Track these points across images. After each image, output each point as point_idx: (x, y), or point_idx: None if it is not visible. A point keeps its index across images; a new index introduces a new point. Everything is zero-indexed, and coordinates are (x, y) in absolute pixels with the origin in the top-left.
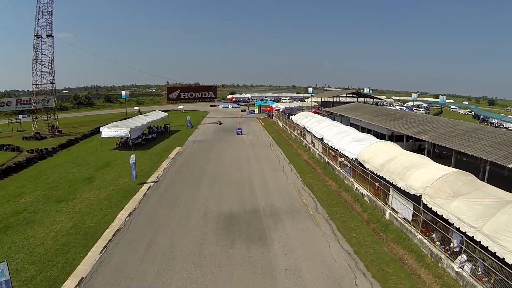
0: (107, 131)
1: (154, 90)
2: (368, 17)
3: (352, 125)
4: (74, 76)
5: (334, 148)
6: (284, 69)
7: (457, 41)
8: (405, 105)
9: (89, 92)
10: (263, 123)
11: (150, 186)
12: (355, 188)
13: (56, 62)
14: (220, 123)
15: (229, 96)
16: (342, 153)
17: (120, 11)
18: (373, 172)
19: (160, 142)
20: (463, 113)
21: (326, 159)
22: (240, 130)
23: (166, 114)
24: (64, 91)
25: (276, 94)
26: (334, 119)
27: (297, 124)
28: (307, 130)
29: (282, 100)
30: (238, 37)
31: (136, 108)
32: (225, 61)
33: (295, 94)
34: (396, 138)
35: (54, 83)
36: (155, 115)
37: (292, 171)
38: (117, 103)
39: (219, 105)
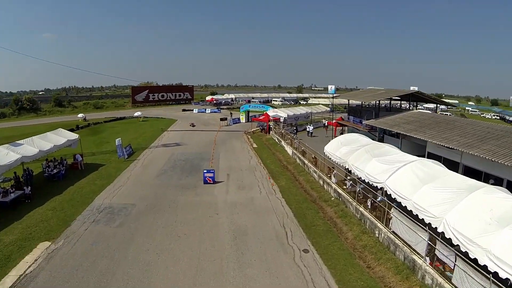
0: None
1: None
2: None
3: (430, 155)
4: (57, 77)
5: None
6: (269, 68)
7: (453, 40)
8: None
9: (66, 94)
10: (255, 144)
11: None
12: None
13: (39, 62)
14: (193, 125)
15: (208, 98)
16: None
17: (103, 11)
18: None
19: (18, 220)
20: (489, 116)
21: None
22: (211, 175)
23: (76, 136)
24: (41, 92)
25: (265, 95)
26: (382, 140)
27: (337, 162)
28: (377, 188)
29: (273, 102)
30: (223, 37)
31: (80, 115)
32: (208, 62)
33: (287, 95)
34: None
35: None
36: (47, 141)
37: None
38: (70, 107)
39: (193, 110)
